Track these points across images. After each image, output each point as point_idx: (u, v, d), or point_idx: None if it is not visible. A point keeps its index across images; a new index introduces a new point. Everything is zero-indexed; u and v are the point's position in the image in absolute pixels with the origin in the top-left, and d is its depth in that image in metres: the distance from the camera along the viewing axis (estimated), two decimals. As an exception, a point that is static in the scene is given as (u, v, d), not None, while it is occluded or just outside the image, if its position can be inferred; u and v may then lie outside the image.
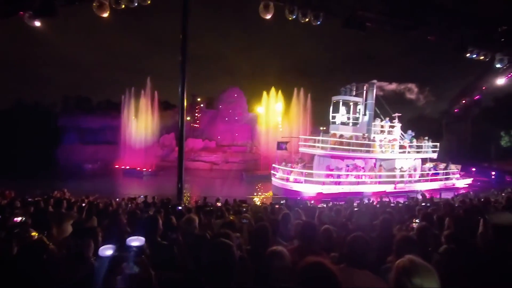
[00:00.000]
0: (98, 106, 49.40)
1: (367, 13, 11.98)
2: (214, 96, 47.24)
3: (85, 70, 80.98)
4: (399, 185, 19.10)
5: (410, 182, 19.80)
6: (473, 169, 26.18)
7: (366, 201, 11.64)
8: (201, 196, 13.47)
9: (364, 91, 20.40)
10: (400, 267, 1.50)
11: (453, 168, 21.78)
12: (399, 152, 20.07)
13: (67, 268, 2.40)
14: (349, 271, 2.11)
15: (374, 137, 19.81)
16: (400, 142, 20.46)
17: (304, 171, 18.31)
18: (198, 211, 6.20)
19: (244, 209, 7.07)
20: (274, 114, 38.50)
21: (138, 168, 30.82)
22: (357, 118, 20.72)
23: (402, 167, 19.99)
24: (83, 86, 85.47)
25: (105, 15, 10.58)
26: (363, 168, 19.09)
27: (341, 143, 18.41)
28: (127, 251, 1.95)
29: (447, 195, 16.06)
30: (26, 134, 38.52)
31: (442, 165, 21.64)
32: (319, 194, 17.07)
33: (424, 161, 21.69)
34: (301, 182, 17.81)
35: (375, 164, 19.58)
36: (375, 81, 20.28)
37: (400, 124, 21.67)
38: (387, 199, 11.92)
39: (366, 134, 19.49)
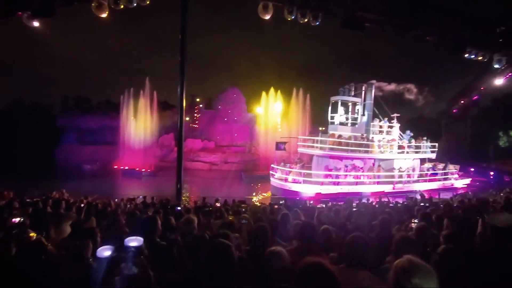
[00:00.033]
0: (97, 107, 49.38)
1: (366, 13, 11.99)
2: (213, 97, 47.30)
3: (84, 70, 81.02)
4: (398, 185, 19.13)
5: (408, 182, 19.82)
6: (472, 169, 26.24)
7: (365, 201, 11.65)
8: (200, 196, 13.47)
9: (363, 92, 20.42)
10: (398, 267, 1.50)
11: (452, 168, 21.82)
12: (398, 153, 20.10)
13: (66, 269, 2.39)
14: (348, 271, 2.11)
15: (372, 137, 19.83)
16: (398, 142, 20.49)
17: (303, 171, 18.31)
18: (197, 212, 6.19)
19: (243, 210, 7.07)
20: (273, 114, 38.51)
21: (137, 169, 30.77)
22: (355, 119, 20.74)
23: (400, 167, 20.02)
24: (82, 86, 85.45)
25: (104, 15, 10.56)
26: (361, 168, 19.10)
27: (339, 143, 18.43)
28: (126, 251, 1.94)
29: (446, 195, 16.09)
30: (25, 134, 38.46)
31: (440, 165, 21.69)
32: (318, 194, 17.09)
33: (422, 161, 21.72)
34: (300, 182, 17.82)
35: (373, 164, 19.61)
36: (373, 81, 20.30)
37: (399, 124, 21.69)
38: (386, 199, 11.93)
39: (365, 135, 19.52)
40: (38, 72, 76.40)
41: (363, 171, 18.98)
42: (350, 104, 20.71)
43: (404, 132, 21.52)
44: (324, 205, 10.49)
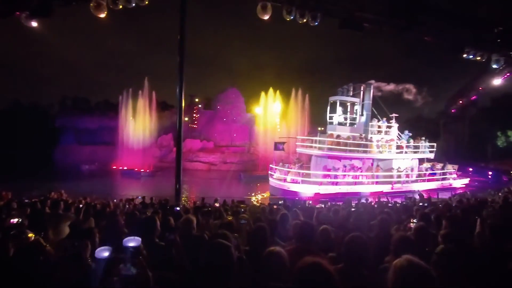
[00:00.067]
0: (96, 107, 49.31)
1: (364, 13, 12.02)
2: (212, 97, 47.27)
3: (83, 70, 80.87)
4: (396, 185, 19.16)
5: (407, 182, 19.86)
6: (470, 169, 26.32)
7: (364, 201, 11.67)
8: (199, 196, 13.45)
9: (361, 92, 20.44)
10: (397, 267, 1.50)
11: (450, 168, 21.87)
12: (396, 153, 20.13)
13: (64, 270, 2.38)
14: (347, 271, 2.11)
15: (371, 137, 19.86)
16: (397, 143, 20.52)
17: (301, 171, 18.32)
18: (196, 212, 6.18)
19: (242, 210, 7.06)
20: (272, 114, 38.53)
21: (136, 169, 30.71)
22: (354, 119, 20.75)
23: (399, 167, 20.05)
24: (81, 86, 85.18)
25: (102, 15, 10.55)
26: (360, 168, 19.12)
27: (338, 144, 18.44)
28: (124, 252, 1.94)
29: (445, 195, 16.12)
30: (24, 134, 38.37)
31: (439, 165, 21.72)
32: (317, 194, 17.09)
33: (421, 161, 21.77)
34: (298, 183, 17.83)
35: (372, 164, 19.63)
36: (372, 81, 20.33)
37: (397, 125, 21.74)
38: (385, 199, 11.95)
39: (363, 135, 19.54)
40: (36, 72, 76.36)
41: (361, 171, 19.00)
42: (348, 104, 20.74)
43: (402, 132, 21.56)
44: (323, 205, 10.49)
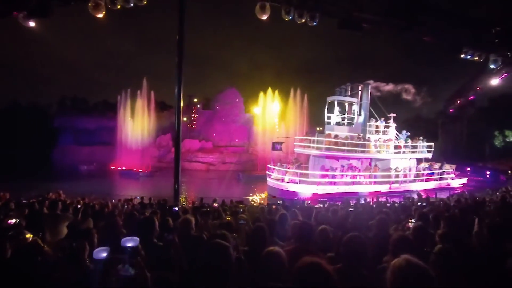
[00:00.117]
0: (95, 107, 49.20)
1: (363, 13, 12.04)
2: (210, 97, 47.28)
3: (82, 70, 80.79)
4: (394, 185, 19.20)
5: (405, 182, 19.90)
6: (468, 169, 26.41)
7: (362, 201, 11.69)
8: (198, 197, 13.42)
9: (359, 92, 20.48)
10: (396, 267, 1.50)
11: (448, 167, 21.95)
12: (394, 152, 20.18)
13: (62, 271, 2.38)
14: (346, 271, 2.11)
15: (369, 137, 19.90)
16: (395, 142, 20.57)
17: (299, 171, 18.32)
18: (194, 212, 6.17)
19: (241, 210, 7.05)
20: (271, 114, 38.55)
21: (135, 169, 30.65)
22: (352, 119, 20.79)
23: (397, 167, 20.09)
24: (80, 86, 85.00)
25: (101, 15, 10.52)
26: (358, 168, 19.15)
27: (336, 143, 18.47)
28: (123, 253, 1.93)
29: (443, 195, 16.17)
30: (22, 134, 38.26)
31: (436, 165, 21.80)
32: (315, 194, 17.11)
33: (419, 161, 21.83)
34: (296, 183, 17.83)
35: (370, 164, 19.67)
36: (370, 81, 20.38)
37: (395, 124, 21.80)
38: (385, 199, 11.97)
39: (361, 134, 19.57)
40: (35, 73, 76.19)
41: (359, 171, 19.03)
42: (346, 104, 20.79)
43: (400, 132, 21.62)
44: (321, 205, 10.50)
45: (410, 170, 20.78)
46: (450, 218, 3.92)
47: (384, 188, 18.71)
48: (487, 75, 20.52)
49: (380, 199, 12.11)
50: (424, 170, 21.18)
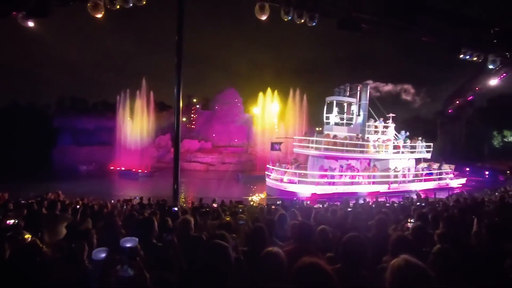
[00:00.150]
0: (94, 107, 49.11)
1: (361, 14, 12.06)
2: (210, 97, 47.28)
3: (81, 71, 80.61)
4: (393, 185, 19.21)
5: (404, 182, 19.92)
6: (467, 169, 26.45)
7: (361, 201, 11.71)
8: (197, 197, 13.41)
9: (358, 92, 20.49)
10: (395, 267, 1.50)
11: (447, 168, 21.97)
12: (393, 153, 20.20)
13: (61, 271, 2.37)
14: (345, 271, 2.11)
15: (368, 137, 19.90)
16: (394, 143, 20.59)
17: (298, 171, 18.33)
18: (194, 213, 6.16)
19: (240, 210, 7.05)
20: (270, 114, 38.56)
21: (134, 170, 30.61)
22: (351, 119, 20.81)
23: (396, 167, 20.11)
24: (79, 87, 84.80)
25: (100, 15, 10.52)
26: (357, 169, 19.16)
27: (334, 144, 18.48)
28: (122, 253, 1.93)
29: (442, 195, 16.19)
30: (21, 135, 38.16)
31: (435, 165, 21.83)
32: (314, 194, 17.10)
33: (418, 161, 21.85)
34: (295, 183, 17.83)
35: (369, 164, 19.68)
36: (369, 81, 20.39)
37: (394, 125, 21.81)
38: (384, 199, 11.99)
39: (360, 135, 19.58)
40: (34, 73, 75.98)
41: (358, 171, 19.04)
42: (345, 104, 20.81)
43: (399, 132, 21.64)
44: (321, 205, 10.51)
45: (409, 170, 20.80)
46: (449, 218, 3.92)
47: (383, 188, 18.73)
48: (486, 76, 20.58)
49: (379, 199, 12.13)
50: (423, 170, 21.20)
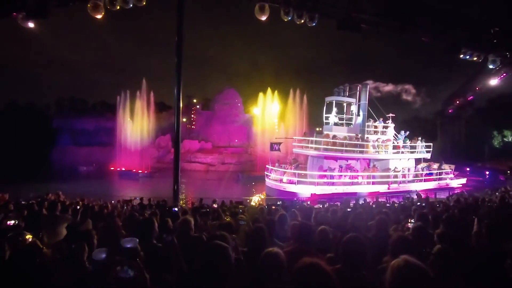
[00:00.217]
0: (93, 108, 49.12)
1: (361, 14, 12.08)
2: (210, 97, 47.27)
3: (81, 71, 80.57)
4: (393, 186, 19.19)
5: (403, 182, 19.90)
6: (467, 169, 26.44)
7: (362, 201, 11.70)
8: (197, 197, 13.41)
9: (358, 92, 20.48)
10: (395, 268, 1.50)
11: (447, 167, 21.96)
12: (393, 153, 20.18)
13: (61, 272, 2.37)
14: (345, 271, 2.11)
15: (367, 137, 19.89)
16: (393, 143, 20.58)
17: (297, 171, 18.32)
18: (194, 213, 6.16)
19: (241, 211, 7.05)
20: (270, 115, 38.56)
21: (134, 170, 30.61)
22: (350, 119, 20.80)
23: (396, 168, 20.11)
24: (78, 87, 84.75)
25: (99, 16, 10.53)
26: (356, 169, 19.14)
27: (334, 144, 18.46)
28: (122, 254, 1.93)
29: (442, 195, 16.18)
30: (21, 135, 38.12)
31: (435, 165, 21.81)
32: (314, 195, 17.09)
33: (418, 161, 21.83)
34: (295, 183, 17.82)
35: (368, 164, 19.67)
36: (368, 81, 20.39)
37: (394, 125, 21.80)
38: (384, 199, 11.98)
39: (360, 135, 19.57)
40: (33, 73, 75.89)
41: (357, 172, 19.03)
42: (344, 104, 20.81)
43: (399, 132, 21.64)
44: (321, 206, 10.50)
45: (409, 170, 20.79)
46: (449, 218, 3.92)
47: (382, 188, 18.71)
48: (486, 75, 20.57)
49: (379, 200, 12.12)
50: (422, 170, 21.19)
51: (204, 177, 31.31)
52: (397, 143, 20.60)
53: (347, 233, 2.52)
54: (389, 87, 21.44)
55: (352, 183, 18.39)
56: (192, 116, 44.92)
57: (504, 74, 18.18)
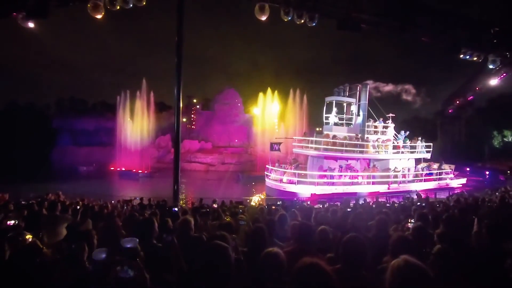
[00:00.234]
0: (93, 108, 49.13)
1: (361, 14, 12.08)
2: (210, 97, 47.27)
3: (81, 71, 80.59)
4: (393, 186, 19.18)
5: (403, 182, 19.90)
6: (467, 169, 26.44)
7: (362, 201, 11.69)
8: (197, 197, 13.41)
9: (358, 92, 20.47)
10: (395, 268, 1.50)
11: (447, 167, 21.95)
12: (393, 153, 20.18)
13: (61, 272, 2.37)
14: (345, 272, 2.11)
15: (367, 137, 19.88)
16: (393, 143, 20.57)
17: (297, 171, 18.32)
18: (194, 213, 6.16)
19: (241, 211, 7.05)
20: (270, 115, 38.56)
21: (134, 170, 30.61)
22: (350, 119, 20.80)
23: (396, 168, 20.10)
24: (78, 87, 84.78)
25: (99, 16, 10.53)
26: (356, 169, 19.13)
27: (334, 144, 18.46)
28: (122, 254, 1.93)
29: (442, 195, 16.18)
30: (20, 135, 38.12)
31: (435, 165, 21.81)
32: (314, 195, 17.09)
33: (418, 161, 21.83)
34: (295, 183, 17.82)
35: (368, 165, 19.66)
36: (368, 81, 20.39)
37: (394, 125, 21.80)
38: (384, 199, 11.98)
39: (360, 135, 19.57)
40: (33, 73, 75.91)
41: (357, 172, 19.03)
42: (344, 104, 20.80)
43: (399, 132, 21.63)
44: (321, 206, 10.50)
45: (408, 170, 20.78)
46: (449, 218, 3.92)
47: (382, 188, 18.71)
48: (486, 75, 20.57)
49: (379, 200, 12.12)
50: (422, 170, 21.18)
51: (204, 177, 31.31)
52: (397, 143, 20.59)
53: (347, 233, 2.52)
54: (389, 87, 21.44)
55: (352, 183, 18.38)
56: (192, 116, 44.93)
57: (504, 74, 18.18)
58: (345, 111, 20.83)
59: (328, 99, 20.60)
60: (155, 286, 1.98)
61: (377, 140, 20.04)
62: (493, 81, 19.43)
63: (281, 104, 38.79)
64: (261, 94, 38.90)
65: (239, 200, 11.49)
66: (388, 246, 2.62)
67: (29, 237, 2.83)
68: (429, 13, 13.24)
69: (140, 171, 30.27)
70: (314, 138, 19.10)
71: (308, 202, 13.04)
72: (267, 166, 20.08)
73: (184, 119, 40.97)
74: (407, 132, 21.57)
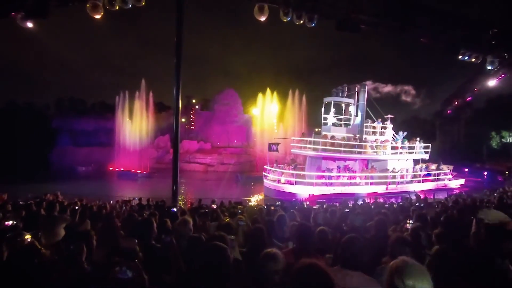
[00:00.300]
0: (92, 108, 49.05)
1: (360, 15, 12.09)
2: (209, 98, 47.29)
3: (80, 71, 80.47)
4: (391, 186, 19.19)
5: (402, 183, 19.91)
6: (466, 170, 26.49)
7: (361, 202, 11.69)
8: (196, 198, 13.40)
9: (356, 92, 20.47)
10: (393, 268, 1.50)
11: (445, 168, 21.98)
12: (391, 153, 20.19)
13: (60, 273, 2.36)
14: (344, 272, 2.11)
15: (366, 138, 19.89)
16: (392, 143, 20.58)
17: (295, 172, 18.30)
18: (193, 213, 6.15)
19: (240, 211, 7.04)
20: (269, 115, 38.58)
21: (133, 170, 30.57)
22: (348, 120, 20.79)
23: (394, 168, 20.10)
24: (78, 88, 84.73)
25: (98, 16, 10.52)
26: (354, 170, 19.14)
27: (332, 144, 18.46)
28: (120, 255, 1.92)
29: (440, 196, 16.19)
30: (20, 135, 38.00)
31: (433, 166, 21.82)
32: (312, 195, 17.08)
33: (416, 162, 21.84)
34: (293, 184, 17.81)
35: (366, 165, 19.66)
36: (366, 82, 20.40)
37: (392, 125, 21.81)
38: (383, 200, 11.99)
39: (358, 135, 19.57)
40: (32, 73, 75.87)
41: (355, 172, 19.03)
42: (343, 105, 20.79)
43: (397, 133, 21.65)
44: (320, 206, 10.49)
45: (407, 171, 20.79)
46: (448, 218, 3.93)
47: (380, 189, 18.71)
48: (485, 76, 20.62)
49: (378, 200, 12.12)
50: (421, 171, 21.20)
51: (203, 177, 31.30)
52: (396, 143, 20.60)
53: (346, 234, 2.53)
54: (388, 88, 21.47)
55: (350, 184, 18.38)
56: (191, 116, 44.94)
57: (503, 75, 18.24)
58: (343, 111, 20.82)
59: (326, 99, 20.58)
60: (153, 287, 1.97)
61: (375, 141, 20.04)
62: (492, 82, 19.49)
63: (280, 104, 38.86)
64: (260, 95, 38.96)
65: (238, 201, 11.48)
66: (387, 246, 2.62)
67: (27, 237, 2.82)
68: (428, 13, 13.26)
69: (139, 172, 30.23)
70: (312, 139, 19.09)
71: (307, 203, 13.04)
72: (265, 166, 20.06)
73: (183, 120, 40.97)
74: (406, 133, 21.58)
